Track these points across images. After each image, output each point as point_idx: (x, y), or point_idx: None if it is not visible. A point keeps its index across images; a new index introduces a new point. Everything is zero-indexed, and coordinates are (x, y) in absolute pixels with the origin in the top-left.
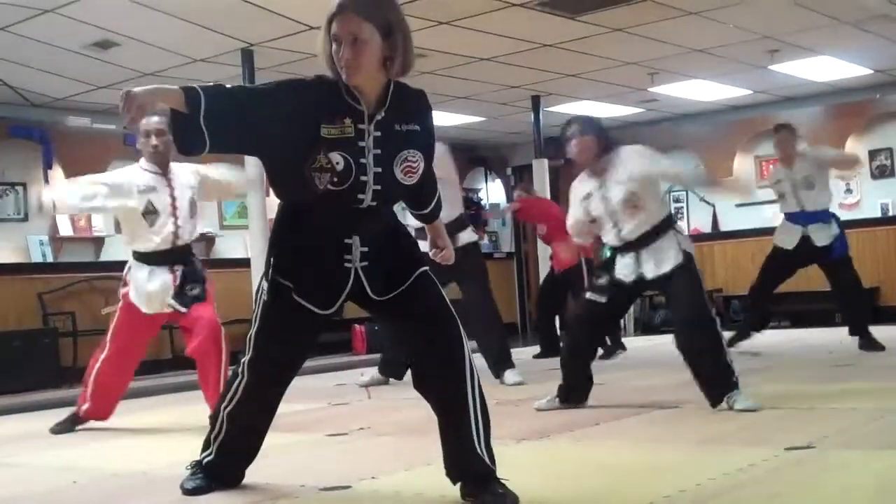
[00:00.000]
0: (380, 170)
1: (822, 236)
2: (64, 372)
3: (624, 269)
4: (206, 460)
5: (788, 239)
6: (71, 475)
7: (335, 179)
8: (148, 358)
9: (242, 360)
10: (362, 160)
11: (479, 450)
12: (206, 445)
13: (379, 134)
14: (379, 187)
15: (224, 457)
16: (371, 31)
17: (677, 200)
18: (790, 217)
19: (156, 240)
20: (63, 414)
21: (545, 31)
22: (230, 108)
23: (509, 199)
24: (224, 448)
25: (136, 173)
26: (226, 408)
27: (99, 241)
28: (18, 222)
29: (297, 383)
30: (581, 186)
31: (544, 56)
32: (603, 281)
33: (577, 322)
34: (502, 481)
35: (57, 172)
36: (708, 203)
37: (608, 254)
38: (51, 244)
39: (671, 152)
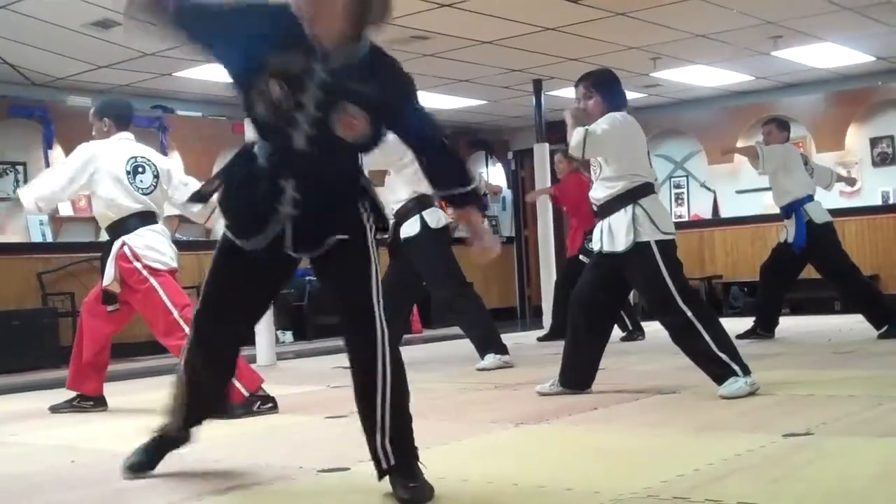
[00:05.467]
0: (320, 115)
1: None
2: (63, 352)
3: (605, 235)
4: (160, 428)
5: (783, 233)
6: (69, 455)
7: (268, 108)
8: (148, 339)
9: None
10: (301, 98)
11: (378, 445)
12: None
13: (329, 79)
14: (315, 133)
15: (177, 416)
16: None
17: (678, 186)
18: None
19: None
20: (61, 393)
21: (548, 15)
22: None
23: (510, 183)
24: (177, 406)
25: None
26: (180, 367)
27: None
28: (19, 201)
29: (295, 365)
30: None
31: (546, 40)
32: (589, 245)
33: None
34: (417, 475)
35: (57, 152)
36: (709, 189)
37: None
38: (50, 224)
39: (672, 137)
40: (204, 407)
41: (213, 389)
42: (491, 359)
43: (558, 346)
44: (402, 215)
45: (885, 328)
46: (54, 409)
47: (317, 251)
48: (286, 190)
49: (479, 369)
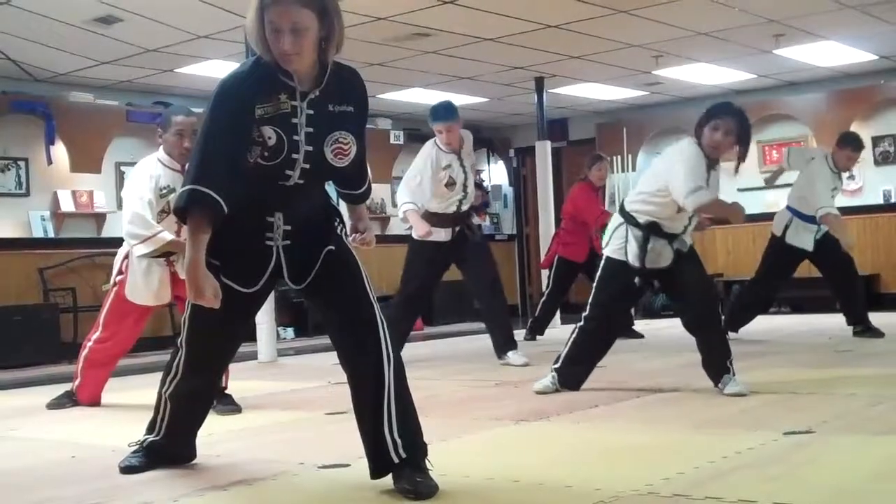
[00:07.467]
0: (311, 148)
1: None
2: (64, 347)
3: (656, 254)
4: (149, 441)
5: (808, 239)
6: (70, 450)
7: (266, 154)
8: (148, 335)
9: (179, 340)
10: (295, 136)
11: (387, 438)
12: (151, 428)
13: (312, 112)
14: (308, 166)
15: (172, 436)
16: (311, 17)
17: None
18: (807, 218)
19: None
20: (62, 389)
21: (550, 12)
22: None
23: (511, 180)
24: (171, 428)
25: (162, 172)
26: (167, 390)
27: (100, 217)
28: (20, 197)
29: (296, 361)
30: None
31: (548, 37)
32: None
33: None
34: (423, 469)
35: (59, 148)
36: None
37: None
38: (52, 220)
39: (673, 136)
40: (182, 438)
41: (194, 419)
42: (516, 356)
43: (558, 345)
44: None
45: (859, 328)
46: (51, 406)
47: (311, 276)
48: (275, 223)
49: None
